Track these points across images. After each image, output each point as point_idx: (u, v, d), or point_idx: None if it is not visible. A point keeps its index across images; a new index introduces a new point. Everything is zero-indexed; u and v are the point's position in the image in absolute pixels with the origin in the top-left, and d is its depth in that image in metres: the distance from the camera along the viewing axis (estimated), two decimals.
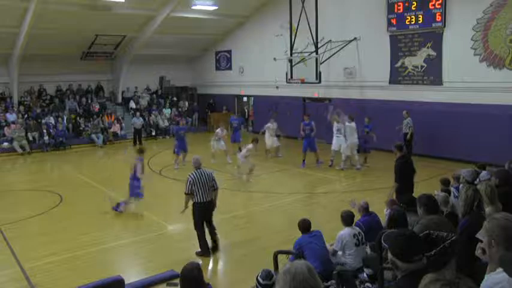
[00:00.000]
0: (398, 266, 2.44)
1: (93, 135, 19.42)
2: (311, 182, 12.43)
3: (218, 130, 15.10)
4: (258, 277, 4.12)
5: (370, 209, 6.59)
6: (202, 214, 7.31)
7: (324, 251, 5.81)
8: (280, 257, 5.93)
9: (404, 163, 8.19)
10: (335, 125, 13.43)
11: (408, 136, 13.73)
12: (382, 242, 2.70)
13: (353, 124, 13.04)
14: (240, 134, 16.83)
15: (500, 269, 2.30)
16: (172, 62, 23.55)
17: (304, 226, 5.94)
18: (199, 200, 7.22)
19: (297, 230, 5.88)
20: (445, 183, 7.34)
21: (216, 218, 7.69)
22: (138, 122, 19.52)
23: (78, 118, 20.17)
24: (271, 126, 15.38)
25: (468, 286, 1.78)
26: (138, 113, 20.34)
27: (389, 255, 2.48)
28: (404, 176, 8.09)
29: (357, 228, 6.02)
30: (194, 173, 7.26)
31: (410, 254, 2.45)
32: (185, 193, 7.25)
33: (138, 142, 19.14)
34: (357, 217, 6.40)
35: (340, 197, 10.43)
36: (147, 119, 21.33)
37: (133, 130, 19.73)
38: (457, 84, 13.87)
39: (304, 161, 13.88)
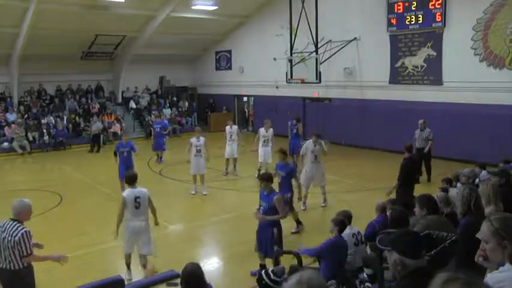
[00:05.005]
0: (406, 264, 2.42)
1: None
2: None
3: (227, 127, 13.20)
4: (272, 276, 3.93)
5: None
6: None
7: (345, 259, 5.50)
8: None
9: (411, 164, 8.32)
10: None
11: (426, 149, 11.63)
12: (378, 244, 2.68)
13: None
14: (165, 141, 15.51)
15: (503, 268, 2.29)
16: (172, 62, 23.52)
17: (344, 224, 5.36)
18: None
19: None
20: (449, 182, 7.34)
21: (215, 218, 7.64)
22: (95, 126, 18.46)
23: (78, 118, 20.16)
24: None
25: (485, 286, 1.78)
26: (95, 117, 19.16)
27: (395, 256, 2.45)
28: (408, 176, 8.21)
29: (356, 228, 6.00)
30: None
31: (419, 250, 2.45)
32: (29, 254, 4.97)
33: (96, 149, 17.94)
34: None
35: (339, 197, 10.42)
36: (147, 119, 21.31)
37: (91, 136, 18.35)
38: (457, 84, 13.86)
39: None
